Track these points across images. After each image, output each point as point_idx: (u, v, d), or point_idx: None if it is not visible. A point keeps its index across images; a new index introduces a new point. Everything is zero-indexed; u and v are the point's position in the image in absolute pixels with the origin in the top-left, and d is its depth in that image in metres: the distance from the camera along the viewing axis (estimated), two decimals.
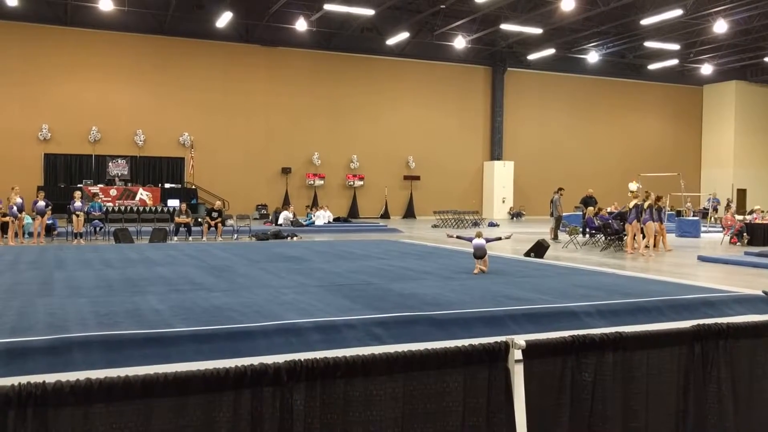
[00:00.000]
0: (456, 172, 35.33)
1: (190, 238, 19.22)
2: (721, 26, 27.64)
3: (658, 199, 18.58)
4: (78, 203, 18.41)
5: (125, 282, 9.20)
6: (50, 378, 2.74)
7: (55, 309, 7.03)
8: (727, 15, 27.60)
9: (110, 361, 5.22)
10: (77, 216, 18.09)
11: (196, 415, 2.92)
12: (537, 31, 29.94)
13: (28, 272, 10.24)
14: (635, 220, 16.29)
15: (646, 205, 16.43)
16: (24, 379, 2.69)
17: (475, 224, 27.73)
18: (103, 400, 2.75)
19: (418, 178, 34.24)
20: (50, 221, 18.68)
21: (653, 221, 16.28)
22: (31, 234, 17.79)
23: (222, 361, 4.12)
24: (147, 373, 2.84)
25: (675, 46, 32.94)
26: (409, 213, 34.12)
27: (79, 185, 25.40)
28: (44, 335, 5.70)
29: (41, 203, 17.47)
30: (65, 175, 27.83)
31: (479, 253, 10.86)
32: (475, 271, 10.71)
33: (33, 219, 17.88)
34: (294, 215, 24.96)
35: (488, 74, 36.10)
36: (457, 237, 11.88)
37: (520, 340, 3.57)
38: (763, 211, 23.32)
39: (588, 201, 21.69)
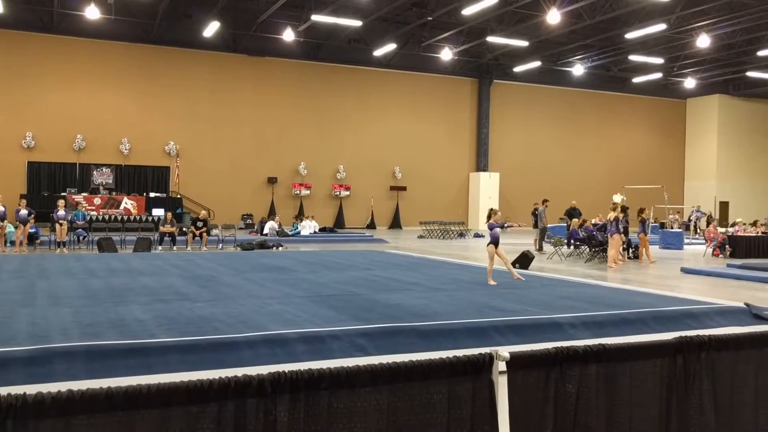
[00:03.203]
0: (442, 183, 35.44)
1: (175, 248, 19.11)
2: (704, 41, 27.99)
3: (641, 211, 18.74)
4: (61, 212, 18.26)
5: (109, 292, 9.13)
6: (31, 389, 2.71)
7: (38, 319, 6.96)
8: (710, 30, 27.97)
9: (93, 372, 5.17)
10: (61, 225, 17.94)
11: (180, 426, 2.90)
12: (523, 43, 30.18)
13: (9, 281, 10.14)
14: (616, 233, 16.39)
15: (612, 216, 16.54)
16: (4, 391, 2.66)
17: (461, 235, 27.83)
18: (85, 411, 2.73)
19: (404, 188, 34.30)
20: (33, 230, 18.50)
21: (619, 233, 16.37)
22: (13, 242, 17.62)
23: (206, 372, 4.11)
24: (130, 385, 2.82)
25: (659, 60, 33.33)
26: (396, 223, 34.15)
27: (62, 194, 25.19)
28: (26, 345, 5.65)
29: (24, 211, 17.32)
30: (49, 183, 27.61)
31: (494, 241, 11.20)
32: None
33: (15, 227, 17.70)
34: (280, 225, 24.90)
35: (474, 86, 36.30)
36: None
37: (504, 351, 3.58)
38: (745, 224, 23.56)
39: (572, 213, 21.81)
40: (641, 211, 18.65)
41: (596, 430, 3.87)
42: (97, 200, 26.06)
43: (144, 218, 25.13)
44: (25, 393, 2.64)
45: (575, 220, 20.02)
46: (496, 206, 35.61)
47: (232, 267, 12.88)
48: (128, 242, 19.04)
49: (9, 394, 2.63)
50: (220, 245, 20.21)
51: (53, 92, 28.02)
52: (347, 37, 31.13)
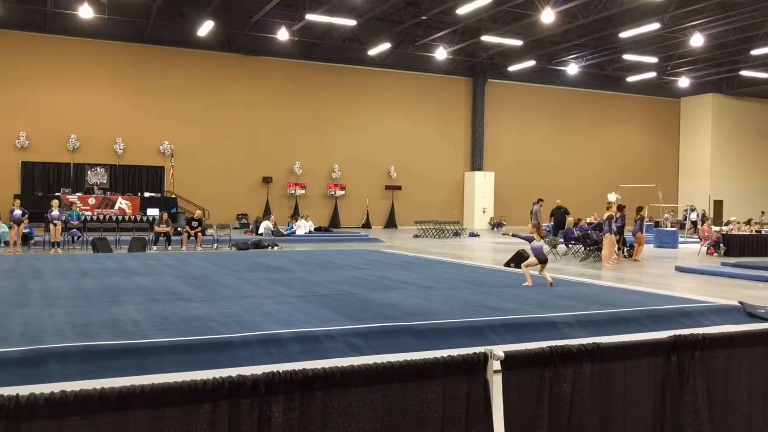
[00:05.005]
0: (437, 183, 35.46)
1: (170, 248, 19.06)
2: (697, 40, 28.08)
3: (640, 209, 18.82)
4: (55, 212, 18.18)
5: (103, 292, 9.10)
6: (24, 390, 2.70)
7: (31, 319, 6.93)
8: (704, 29, 28.05)
9: (86, 373, 5.15)
10: (55, 225, 17.87)
11: (173, 427, 2.89)
12: (517, 43, 30.21)
13: (3, 282, 10.09)
14: (609, 233, 16.41)
15: (605, 216, 16.55)
16: None
17: (456, 234, 27.85)
18: (79, 412, 2.71)
19: (399, 188, 34.30)
20: (27, 230, 18.43)
21: (611, 232, 16.38)
22: (7, 243, 17.55)
23: (200, 372, 4.10)
24: (123, 385, 2.81)
25: (653, 59, 33.41)
26: (391, 223, 34.15)
27: (56, 194, 25.11)
28: (19, 346, 5.62)
29: (17, 212, 17.24)
30: (43, 183, 27.51)
31: (542, 257, 10.54)
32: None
33: (9, 228, 17.63)
34: (275, 225, 24.87)
35: (469, 85, 36.32)
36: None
37: (499, 351, 3.58)
38: (739, 222, 23.63)
39: (556, 212, 21.70)
40: (640, 209, 18.72)
41: (590, 428, 3.88)
42: (91, 200, 25.98)
43: (139, 218, 25.08)
44: (17, 394, 2.63)
45: (569, 219, 20.05)
46: (490, 206, 35.79)
47: (227, 267, 12.85)
48: (123, 242, 18.97)
49: (1, 396, 2.61)
50: (215, 245, 20.17)
51: (47, 92, 27.91)
52: (342, 37, 31.11)
